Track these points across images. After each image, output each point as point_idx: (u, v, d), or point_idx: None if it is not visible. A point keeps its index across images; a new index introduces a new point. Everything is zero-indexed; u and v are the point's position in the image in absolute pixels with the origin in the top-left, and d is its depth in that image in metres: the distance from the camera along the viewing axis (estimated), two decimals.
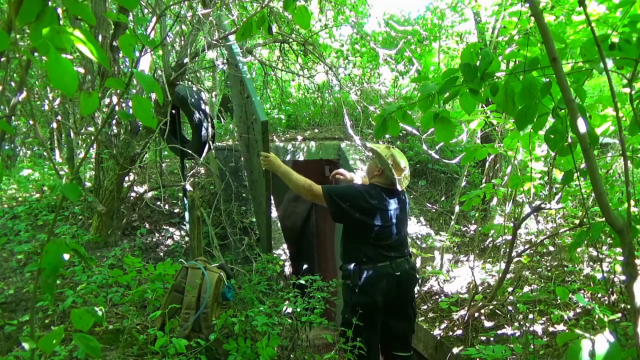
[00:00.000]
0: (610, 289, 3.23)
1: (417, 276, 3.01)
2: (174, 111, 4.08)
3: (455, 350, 3.28)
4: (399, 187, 2.82)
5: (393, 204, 2.84)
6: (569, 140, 1.77)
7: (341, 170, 3.32)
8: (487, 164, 5.01)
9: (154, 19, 3.71)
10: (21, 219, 4.38)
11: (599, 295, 3.29)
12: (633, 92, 1.64)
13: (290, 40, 5.08)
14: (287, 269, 3.99)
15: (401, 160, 2.84)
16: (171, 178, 5.37)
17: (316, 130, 6.45)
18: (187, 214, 3.94)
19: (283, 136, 6.26)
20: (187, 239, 4.25)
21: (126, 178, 4.35)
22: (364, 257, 2.77)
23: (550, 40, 1.45)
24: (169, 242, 4.28)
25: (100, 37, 3.78)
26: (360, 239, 2.81)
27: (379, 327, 2.87)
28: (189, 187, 4.27)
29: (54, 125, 6.68)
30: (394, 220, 2.82)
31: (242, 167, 5.21)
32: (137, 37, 1.32)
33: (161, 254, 4.06)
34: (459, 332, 3.49)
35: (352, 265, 2.79)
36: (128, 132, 3.94)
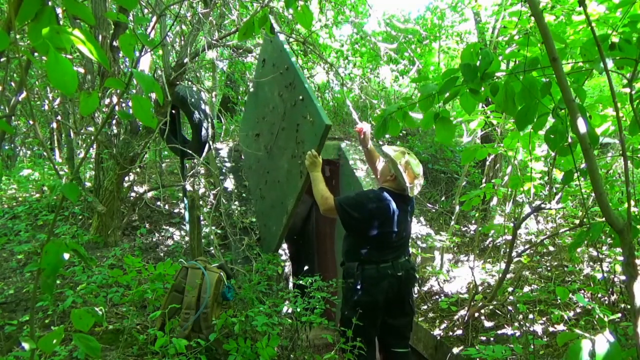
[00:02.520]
0: (610, 289, 3.23)
1: (416, 274, 3.02)
2: (173, 111, 4.08)
3: (455, 350, 3.28)
4: (410, 194, 2.82)
5: (401, 209, 2.83)
6: (569, 140, 1.77)
7: (366, 130, 3.15)
8: (487, 164, 5.01)
9: (154, 19, 3.71)
10: (21, 219, 4.38)
11: (599, 295, 3.29)
12: (633, 92, 1.64)
13: (290, 40, 5.07)
14: (287, 269, 3.99)
15: (416, 168, 2.82)
16: (171, 178, 5.37)
17: None
18: (187, 214, 3.94)
19: None
20: (187, 239, 4.25)
21: (126, 178, 4.35)
22: (366, 257, 2.78)
23: (550, 40, 1.45)
24: (169, 242, 4.28)
25: (100, 37, 3.78)
26: (364, 240, 2.82)
27: (378, 325, 2.88)
28: (189, 187, 4.27)
29: (54, 125, 6.68)
30: (399, 224, 2.82)
31: (241, 167, 5.20)
32: (137, 37, 1.32)
33: (161, 254, 4.06)
34: (459, 332, 3.49)
35: (354, 265, 2.80)
36: (128, 132, 3.94)
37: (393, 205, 2.80)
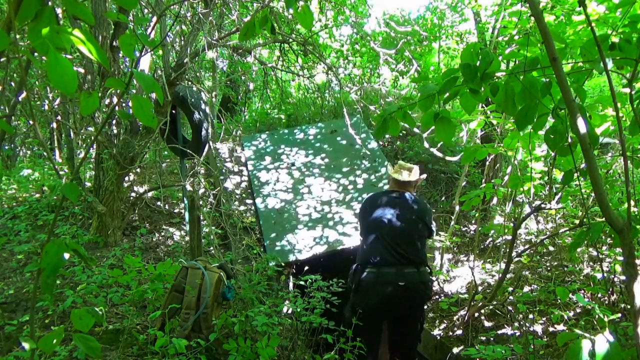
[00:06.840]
0: (610, 289, 3.23)
1: (428, 291, 2.96)
2: (173, 111, 4.08)
3: (455, 350, 3.27)
4: (398, 177, 3.02)
5: (393, 205, 2.88)
6: (569, 140, 1.77)
7: None
8: (487, 164, 5.01)
9: (154, 19, 3.70)
10: (21, 219, 4.38)
11: (599, 295, 3.29)
12: (633, 92, 1.64)
13: (290, 40, 5.07)
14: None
15: (401, 163, 3.16)
16: (171, 178, 5.36)
17: None
18: (187, 214, 3.93)
19: None
20: (187, 239, 4.25)
21: (126, 178, 4.35)
22: (368, 260, 2.81)
23: (550, 40, 1.45)
24: (169, 242, 4.28)
25: (100, 37, 3.77)
26: (365, 240, 2.87)
27: (378, 329, 2.89)
28: (189, 187, 4.27)
29: (54, 125, 6.67)
30: (389, 220, 2.84)
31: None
32: (137, 37, 1.32)
33: (161, 254, 4.06)
34: (459, 332, 3.49)
35: (354, 266, 2.86)
36: (128, 132, 3.93)
37: (382, 200, 2.97)
